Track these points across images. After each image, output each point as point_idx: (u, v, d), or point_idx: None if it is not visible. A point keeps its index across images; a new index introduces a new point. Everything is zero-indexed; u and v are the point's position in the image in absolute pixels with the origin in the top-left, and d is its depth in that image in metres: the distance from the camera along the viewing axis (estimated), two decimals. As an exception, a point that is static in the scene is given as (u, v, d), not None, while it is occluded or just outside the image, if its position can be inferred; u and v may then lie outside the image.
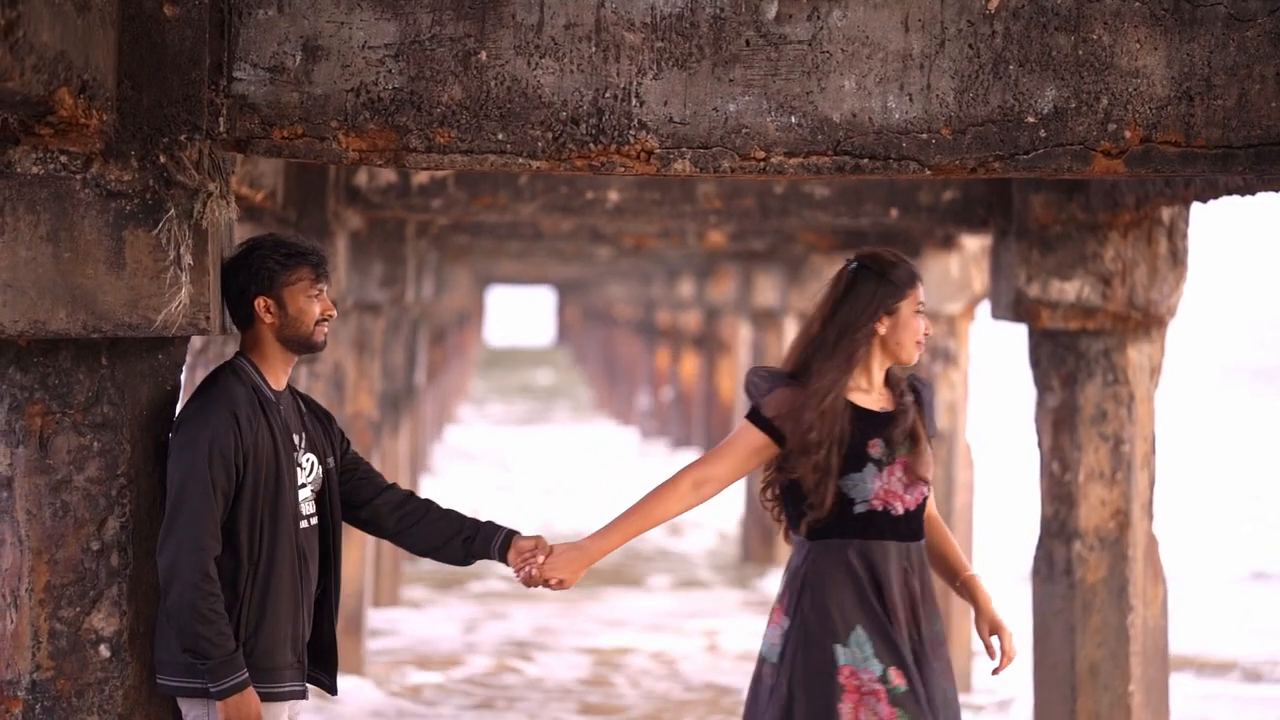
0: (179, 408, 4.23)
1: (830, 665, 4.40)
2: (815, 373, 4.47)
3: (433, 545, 4.46)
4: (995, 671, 4.63)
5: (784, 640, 4.47)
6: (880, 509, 4.45)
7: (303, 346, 4.27)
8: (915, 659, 4.43)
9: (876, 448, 4.46)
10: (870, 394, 4.51)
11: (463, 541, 4.45)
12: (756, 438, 4.51)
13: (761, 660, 4.53)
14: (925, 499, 4.51)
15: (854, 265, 4.54)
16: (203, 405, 4.13)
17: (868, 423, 4.47)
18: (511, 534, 4.48)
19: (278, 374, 4.26)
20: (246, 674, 4.07)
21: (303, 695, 4.28)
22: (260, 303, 4.22)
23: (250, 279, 4.22)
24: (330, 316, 4.28)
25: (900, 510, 4.47)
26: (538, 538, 4.50)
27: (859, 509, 4.44)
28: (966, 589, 4.64)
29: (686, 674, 10.40)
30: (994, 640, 4.60)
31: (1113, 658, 6.62)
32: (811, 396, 4.44)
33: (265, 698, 4.16)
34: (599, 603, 13.24)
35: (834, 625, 4.41)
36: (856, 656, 4.40)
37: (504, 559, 4.46)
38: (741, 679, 10.19)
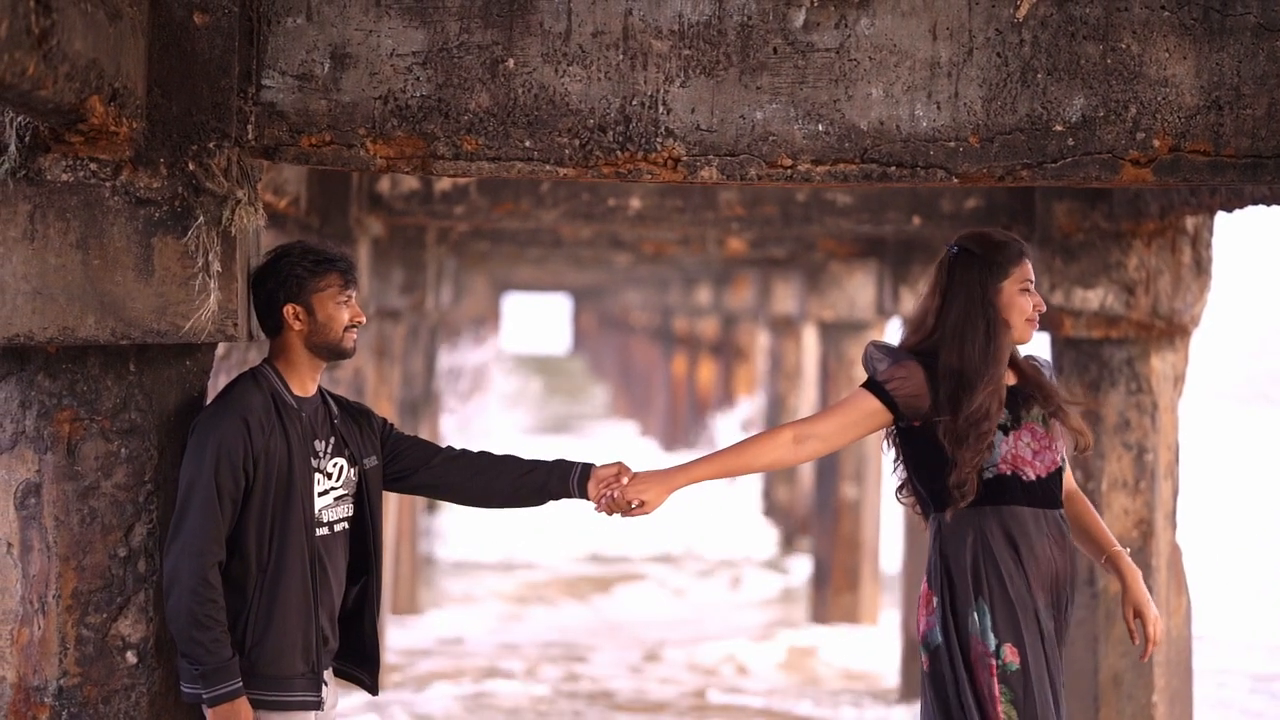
0: (204, 410, 4.21)
1: (968, 633, 4.37)
2: (979, 389, 4.36)
3: (501, 492, 4.41)
4: (1142, 657, 4.52)
5: (941, 619, 4.41)
6: (1009, 473, 4.39)
7: (332, 353, 4.27)
8: (1044, 638, 4.36)
9: (1000, 414, 4.40)
10: None
11: (533, 481, 4.40)
12: (870, 402, 4.42)
13: (926, 648, 4.45)
14: (1059, 468, 4.44)
15: (954, 250, 4.48)
16: (215, 411, 4.13)
17: None
18: (589, 465, 4.42)
19: (304, 380, 4.26)
20: (239, 684, 4.05)
21: (317, 706, 4.23)
22: (289, 310, 4.22)
23: (279, 286, 4.22)
24: (359, 322, 4.28)
25: (1031, 475, 4.41)
26: (619, 463, 4.44)
27: (988, 474, 4.39)
28: (1112, 564, 4.53)
29: (716, 670, 10.40)
30: (1137, 624, 4.48)
31: (1136, 668, 6.60)
32: (976, 412, 4.36)
33: (272, 706, 4.14)
34: (622, 597, 13.24)
35: (965, 593, 4.38)
36: (976, 628, 4.36)
37: (584, 493, 4.40)
38: (735, 680, 10.19)
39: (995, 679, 4.32)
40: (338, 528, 4.28)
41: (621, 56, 4.16)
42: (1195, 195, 5.91)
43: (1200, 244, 6.61)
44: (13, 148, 3.97)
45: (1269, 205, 5.46)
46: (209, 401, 4.23)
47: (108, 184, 4.01)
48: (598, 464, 4.43)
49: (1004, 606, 4.35)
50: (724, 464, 4.47)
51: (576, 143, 4.17)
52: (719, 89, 4.16)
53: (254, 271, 4.25)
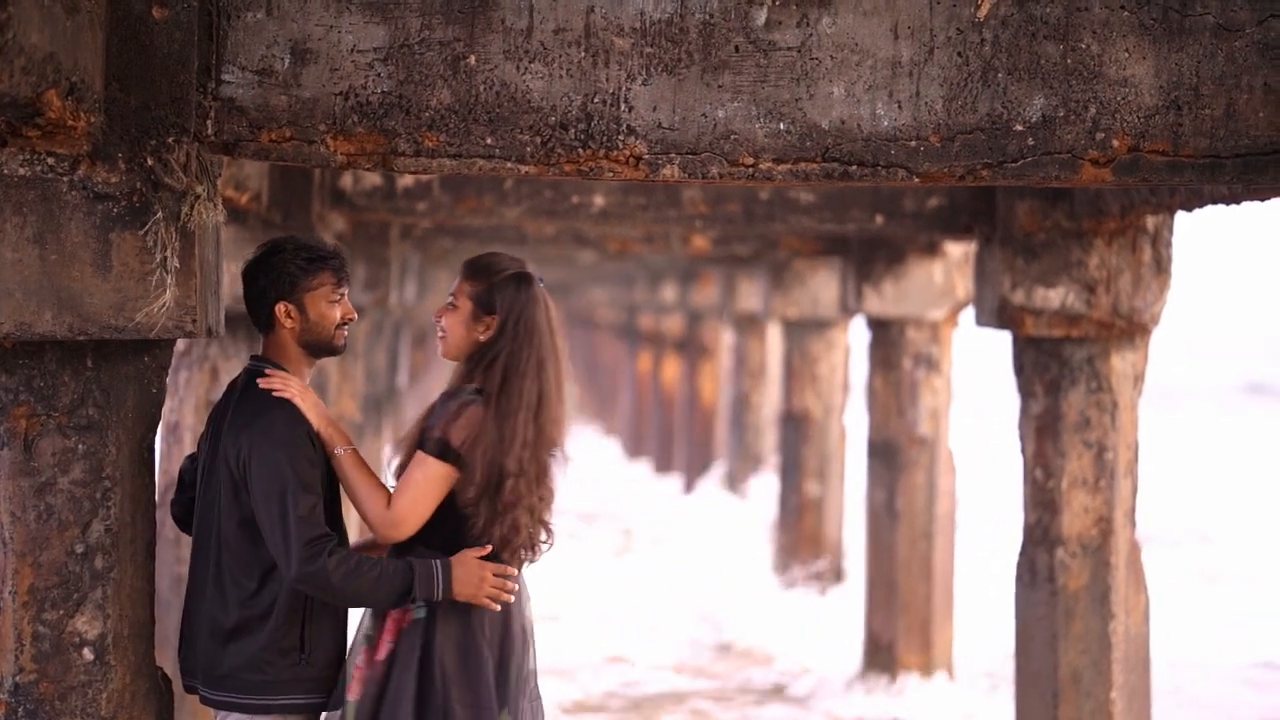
0: (249, 431, 4.15)
1: None
2: None
3: None
4: None
5: None
6: None
7: (323, 350, 4.27)
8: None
9: None
10: None
11: None
12: None
13: None
14: None
15: None
16: (276, 425, 4.11)
17: None
18: None
19: (303, 377, 4.28)
20: (435, 559, 4.11)
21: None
22: (281, 308, 4.21)
23: (270, 283, 4.21)
24: (350, 320, 4.28)
25: None
26: None
27: None
28: None
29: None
30: None
31: (1095, 665, 6.64)
32: None
33: (324, 707, 4.18)
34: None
35: None
36: None
37: None
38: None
39: None
40: None
41: (583, 54, 4.15)
42: (1155, 195, 5.93)
43: (1160, 243, 6.64)
44: (-31, 142, 3.94)
45: (1228, 205, 5.49)
46: (241, 409, 4.18)
47: (65, 178, 3.99)
48: None
49: None
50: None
51: (538, 140, 4.16)
52: (681, 87, 4.16)
53: (245, 266, 4.25)
